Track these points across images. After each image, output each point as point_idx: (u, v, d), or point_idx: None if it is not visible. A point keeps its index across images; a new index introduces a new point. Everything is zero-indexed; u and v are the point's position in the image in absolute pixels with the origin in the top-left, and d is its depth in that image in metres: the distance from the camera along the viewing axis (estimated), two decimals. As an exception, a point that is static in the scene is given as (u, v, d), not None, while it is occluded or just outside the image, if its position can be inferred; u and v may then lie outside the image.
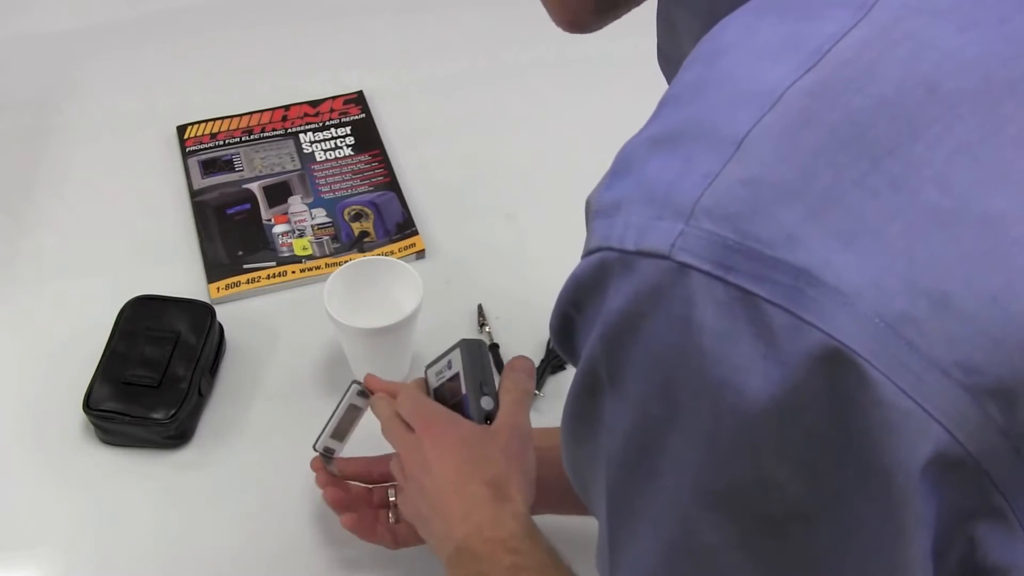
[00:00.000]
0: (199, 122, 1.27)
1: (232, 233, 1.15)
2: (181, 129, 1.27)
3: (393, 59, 1.39)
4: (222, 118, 1.28)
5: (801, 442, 0.40)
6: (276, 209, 1.18)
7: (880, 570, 0.43)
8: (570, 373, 1.02)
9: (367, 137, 1.26)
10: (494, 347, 1.04)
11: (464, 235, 1.16)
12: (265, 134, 1.26)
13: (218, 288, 1.09)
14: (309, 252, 1.13)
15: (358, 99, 1.31)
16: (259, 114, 1.29)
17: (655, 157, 0.43)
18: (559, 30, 0.63)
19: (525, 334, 1.05)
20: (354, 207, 1.18)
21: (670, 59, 0.60)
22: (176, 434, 0.96)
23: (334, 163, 1.23)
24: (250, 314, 1.08)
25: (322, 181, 1.21)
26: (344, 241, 1.15)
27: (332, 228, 1.16)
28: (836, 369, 0.39)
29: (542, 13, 0.62)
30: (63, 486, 0.95)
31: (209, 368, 1.01)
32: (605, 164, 0.47)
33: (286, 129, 1.27)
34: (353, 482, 0.89)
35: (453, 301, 1.08)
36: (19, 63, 1.38)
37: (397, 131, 1.28)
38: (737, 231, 0.40)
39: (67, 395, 0.98)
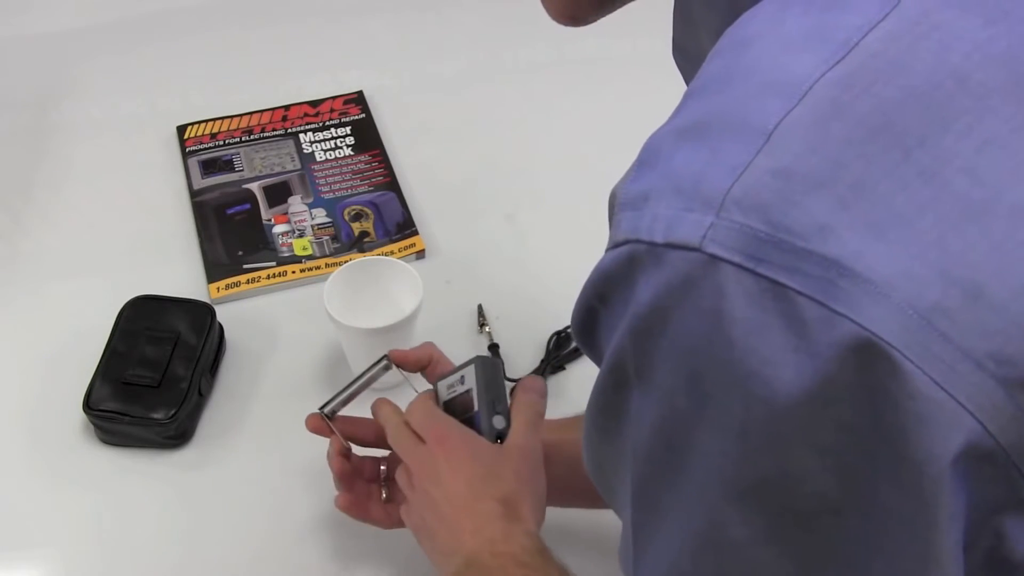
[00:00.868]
0: (199, 122, 1.27)
1: (232, 233, 1.15)
2: (181, 129, 1.27)
3: (393, 59, 1.39)
4: (222, 118, 1.28)
5: (832, 434, 0.40)
6: (276, 209, 1.18)
7: (912, 563, 0.42)
8: (571, 373, 1.03)
9: (367, 137, 1.26)
10: (494, 347, 1.04)
11: (464, 235, 1.16)
12: (265, 134, 1.26)
13: (218, 288, 1.09)
14: (309, 252, 1.13)
15: (358, 99, 1.31)
16: (259, 114, 1.29)
17: (682, 148, 0.43)
18: (559, 30, 0.62)
19: (525, 334, 1.05)
20: (354, 207, 1.18)
21: (686, 53, 0.59)
22: (176, 434, 0.96)
23: (334, 163, 1.23)
24: (250, 314, 1.08)
25: (322, 181, 1.21)
26: (344, 241, 1.15)
27: (332, 228, 1.16)
28: (868, 360, 0.39)
29: (542, 13, 0.61)
30: (63, 486, 0.95)
31: (209, 368, 1.01)
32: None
33: (286, 129, 1.27)
34: (352, 455, 0.87)
35: (453, 301, 1.08)
36: (19, 63, 1.38)
37: (397, 131, 1.28)
38: (768, 223, 0.40)
39: (67, 395, 0.98)
